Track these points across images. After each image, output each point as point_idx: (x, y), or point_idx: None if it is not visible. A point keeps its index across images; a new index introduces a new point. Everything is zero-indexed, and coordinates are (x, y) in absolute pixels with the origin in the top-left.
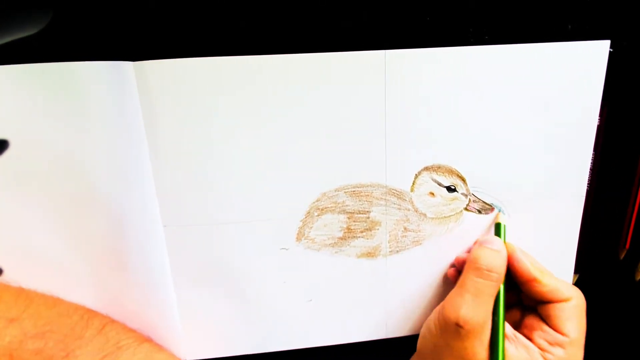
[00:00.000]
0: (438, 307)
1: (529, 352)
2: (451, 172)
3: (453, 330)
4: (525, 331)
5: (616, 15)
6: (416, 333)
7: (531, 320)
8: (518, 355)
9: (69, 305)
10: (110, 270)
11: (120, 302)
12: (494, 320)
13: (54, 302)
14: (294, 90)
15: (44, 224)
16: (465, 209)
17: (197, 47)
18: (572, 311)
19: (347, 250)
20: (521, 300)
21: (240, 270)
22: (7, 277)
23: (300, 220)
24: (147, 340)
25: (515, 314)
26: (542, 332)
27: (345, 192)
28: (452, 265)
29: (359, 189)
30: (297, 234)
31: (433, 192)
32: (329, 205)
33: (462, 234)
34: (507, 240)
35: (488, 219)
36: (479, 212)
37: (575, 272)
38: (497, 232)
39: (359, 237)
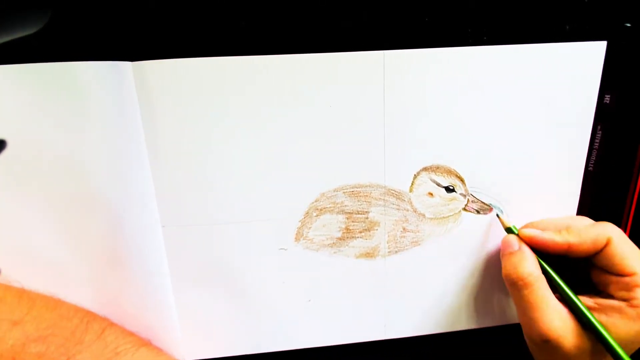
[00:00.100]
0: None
1: (619, 311)
2: (450, 172)
3: (545, 346)
4: (602, 288)
5: (613, 16)
6: (415, 334)
7: (599, 276)
8: (613, 321)
9: (69, 307)
10: (108, 270)
11: (118, 302)
12: (572, 308)
13: (54, 304)
14: (293, 91)
15: (42, 224)
16: (464, 209)
17: (196, 47)
18: (620, 248)
19: (345, 251)
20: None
21: (239, 271)
22: (6, 277)
23: (299, 221)
24: (145, 344)
25: (585, 275)
26: (614, 284)
27: (344, 193)
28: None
29: (358, 189)
30: (296, 234)
31: (432, 192)
32: (328, 206)
33: (461, 234)
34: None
35: (487, 220)
36: (478, 212)
37: None
38: (510, 232)
39: (358, 237)
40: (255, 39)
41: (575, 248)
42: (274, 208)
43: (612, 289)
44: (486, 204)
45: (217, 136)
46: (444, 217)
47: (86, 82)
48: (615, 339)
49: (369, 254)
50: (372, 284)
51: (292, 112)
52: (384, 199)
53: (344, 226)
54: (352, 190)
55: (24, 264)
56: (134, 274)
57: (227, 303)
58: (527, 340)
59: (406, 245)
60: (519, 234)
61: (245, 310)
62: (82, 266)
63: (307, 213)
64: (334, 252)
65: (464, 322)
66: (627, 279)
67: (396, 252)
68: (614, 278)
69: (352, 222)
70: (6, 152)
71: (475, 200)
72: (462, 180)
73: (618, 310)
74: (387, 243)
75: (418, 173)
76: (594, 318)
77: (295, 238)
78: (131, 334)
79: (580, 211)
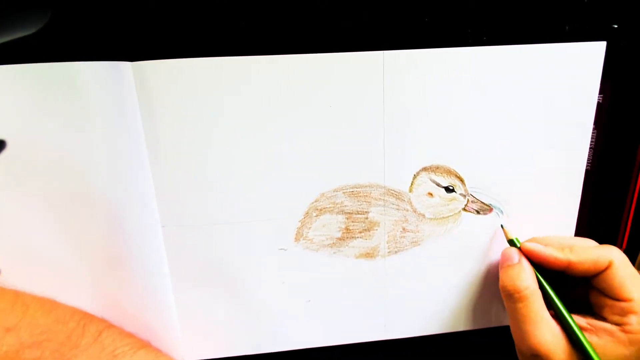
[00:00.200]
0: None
1: (610, 334)
2: (449, 172)
3: None
4: (596, 310)
5: (613, 17)
6: (414, 334)
7: (595, 297)
8: (603, 344)
9: (65, 310)
10: (108, 270)
11: (118, 302)
12: (564, 325)
13: (50, 308)
14: (292, 91)
15: (42, 224)
16: (464, 209)
17: (196, 47)
18: (620, 273)
19: (345, 251)
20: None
21: (239, 271)
22: (5, 277)
23: (299, 221)
24: (144, 346)
25: (580, 291)
26: (609, 307)
27: (343, 193)
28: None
29: (358, 190)
30: (296, 234)
31: (431, 192)
32: (328, 206)
33: (461, 234)
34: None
35: (487, 220)
36: (477, 212)
37: None
38: (512, 245)
39: (358, 237)
40: (255, 39)
41: (575, 266)
42: (273, 208)
43: (607, 312)
44: (486, 204)
45: (217, 136)
46: (443, 218)
47: (86, 82)
48: None
49: (368, 254)
50: (372, 284)
51: (292, 112)
52: (383, 199)
53: (343, 226)
54: (352, 190)
55: (24, 264)
56: (134, 274)
57: (227, 303)
58: (518, 353)
59: (406, 246)
60: (521, 247)
61: (245, 311)
62: (82, 266)
63: (307, 213)
64: (334, 252)
65: (463, 323)
66: (623, 304)
67: (396, 252)
68: (610, 301)
69: (352, 222)
70: (6, 152)
71: (475, 201)
72: (461, 181)
73: (610, 334)
74: (387, 243)
75: (418, 173)
76: (585, 338)
77: (295, 238)
78: (129, 335)
79: (581, 211)
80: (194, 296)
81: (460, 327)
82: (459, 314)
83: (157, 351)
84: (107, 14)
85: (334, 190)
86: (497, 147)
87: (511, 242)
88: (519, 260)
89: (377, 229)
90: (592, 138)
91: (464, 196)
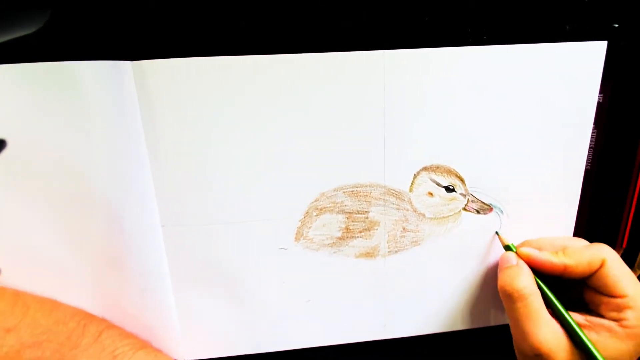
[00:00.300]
0: (513, 340)
1: (609, 330)
2: (450, 172)
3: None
4: (593, 308)
5: (613, 16)
6: (414, 334)
7: (591, 296)
8: (603, 340)
9: (65, 310)
10: (108, 270)
11: (118, 302)
12: (563, 324)
13: (50, 308)
14: (293, 90)
15: (42, 224)
16: (464, 209)
17: (196, 47)
18: (613, 271)
19: (345, 250)
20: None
21: (239, 271)
22: (5, 277)
23: (299, 220)
24: (144, 346)
25: (577, 292)
26: (605, 305)
27: (344, 192)
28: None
29: (358, 189)
30: (296, 233)
31: (432, 192)
32: (328, 205)
33: (461, 234)
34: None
35: (487, 220)
36: (478, 212)
37: None
38: (508, 249)
39: (358, 237)
40: (255, 39)
41: (571, 270)
42: (273, 208)
43: (604, 309)
44: (486, 204)
45: (217, 136)
46: (443, 217)
47: (86, 82)
48: (604, 357)
49: (369, 254)
50: (372, 284)
51: (292, 111)
52: (383, 199)
53: (344, 226)
54: (352, 190)
55: (24, 264)
56: (134, 274)
57: (227, 303)
58: (518, 354)
59: (406, 245)
60: (517, 252)
61: (245, 310)
62: (82, 266)
63: (307, 213)
64: (334, 252)
65: (464, 322)
66: (618, 300)
67: (396, 251)
68: (605, 299)
69: (352, 221)
70: (6, 151)
71: (475, 200)
72: (462, 180)
73: (608, 330)
74: (387, 243)
75: (418, 173)
76: (585, 335)
77: (295, 238)
78: (129, 335)
79: (581, 210)
80: (194, 296)
81: (460, 326)
82: (459, 314)
83: (157, 352)
84: (107, 14)
85: (334, 190)
86: (497, 147)
87: (507, 248)
88: (517, 263)
89: (377, 229)
90: (592, 137)
91: (464, 196)
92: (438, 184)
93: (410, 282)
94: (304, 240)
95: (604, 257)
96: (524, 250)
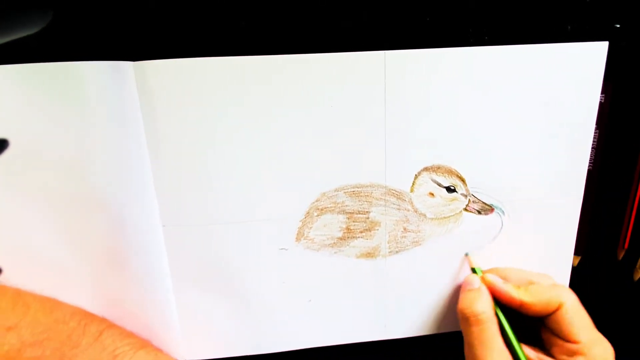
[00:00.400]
0: None
1: None
2: (451, 172)
3: None
4: (547, 347)
5: (615, 16)
6: (415, 334)
7: (546, 335)
8: None
9: (66, 309)
10: (109, 270)
11: (119, 302)
12: (513, 355)
13: (51, 307)
14: (293, 91)
15: (42, 224)
16: (465, 209)
17: (197, 47)
18: (570, 316)
19: (346, 251)
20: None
21: (239, 271)
22: (6, 277)
23: (300, 221)
24: (144, 346)
25: (535, 330)
26: (558, 347)
27: (344, 192)
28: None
29: (359, 189)
30: (297, 234)
31: (433, 192)
32: (329, 206)
33: (462, 234)
34: (486, 267)
35: (487, 220)
36: (479, 212)
37: (574, 272)
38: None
39: (359, 237)
40: (255, 39)
41: (527, 307)
42: (274, 208)
43: (556, 351)
44: (487, 205)
45: (217, 136)
46: (444, 218)
47: (87, 82)
48: None
49: (369, 254)
50: (373, 284)
51: (293, 112)
52: (384, 199)
53: (344, 226)
54: (353, 190)
55: (24, 264)
56: (135, 274)
57: (227, 303)
58: None
59: (407, 245)
60: (482, 277)
61: (246, 311)
62: (83, 266)
63: (308, 213)
64: (335, 252)
65: None
66: (571, 345)
67: (397, 252)
68: (559, 341)
69: (353, 222)
70: (7, 152)
71: (477, 201)
72: (463, 181)
73: None
74: (388, 243)
75: (419, 173)
76: None
77: (296, 238)
78: (130, 335)
79: (583, 211)
80: (194, 296)
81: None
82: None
83: (157, 351)
84: (108, 14)
85: (335, 190)
86: (498, 147)
87: (473, 271)
88: (479, 287)
89: (378, 229)
90: (594, 138)
91: (465, 196)
92: (439, 185)
93: (411, 282)
94: (305, 241)
95: (562, 300)
96: (488, 278)
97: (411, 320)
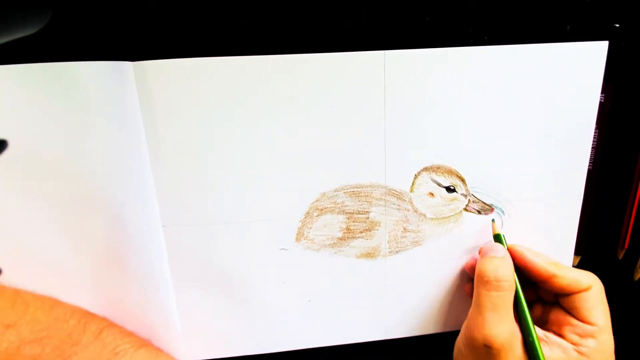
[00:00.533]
0: (463, 328)
1: (563, 350)
2: (450, 172)
3: (483, 351)
4: (554, 328)
5: (615, 16)
6: (415, 334)
7: (557, 316)
8: (554, 357)
9: (66, 308)
10: (109, 270)
11: (119, 302)
12: (523, 327)
13: (50, 306)
14: (293, 91)
15: (42, 224)
16: (465, 209)
17: (197, 47)
18: (596, 298)
19: (346, 251)
20: (540, 297)
21: (239, 271)
22: (6, 277)
23: (300, 221)
24: (145, 344)
25: (538, 310)
26: (571, 327)
27: (344, 193)
28: (470, 280)
29: (359, 190)
30: (297, 234)
31: (432, 192)
32: (329, 206)
33: (462, 234)
34: (510, 242)
35: (487, 220)
36: (479, 212)
37: None
38: (498, 240)
39: (359, 237)
40: (255, 39)
41: (557, 280)
42: (274, 208)
43: (567, 330)
44: (487, 204)
45: (217, 136)
46: (444, 217)
47: (87, 82)
48: None
49: (369, 254)
50: (373, 284)
51: (293, 112)
52: (384, 199)
53: (344, 226)
54: (353, 190)
55: (24, 264)
56: (135, 274)
57: (227, 303)
58: (463, 345)
59: (407, 245)
60: (511, 248)
61: (246, 311)
62: (83, 266)
63: (308, 213)
64: (335, 252)
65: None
66: (587, 326)
67: (397, 252)
68: (574, 321)
69: (353, 222)
70: (7, 152)
71: (477, 201)
72: (463, 181)
73: (563, 350)
74: (388, 243)
75: (419, 173)
76: (539, 344)
77: (296, 238)
78: (130, 334)
79: (583, 211)
80: (194, 296)
81: (462, 326)
82: (460, 314)
83: (158, 350)
84: (108, 14)
85: (335, 190)
86: (498, 147)
87: (496, 237)
88: (503, 256)
89: (378, 229)
90: (594, 138)
91: (465, 196)
92: (439, 184)
93: (411, 282)
94: (305, 241)
95: (592, 283)
96: (519, 247)
97: (411, 320)
